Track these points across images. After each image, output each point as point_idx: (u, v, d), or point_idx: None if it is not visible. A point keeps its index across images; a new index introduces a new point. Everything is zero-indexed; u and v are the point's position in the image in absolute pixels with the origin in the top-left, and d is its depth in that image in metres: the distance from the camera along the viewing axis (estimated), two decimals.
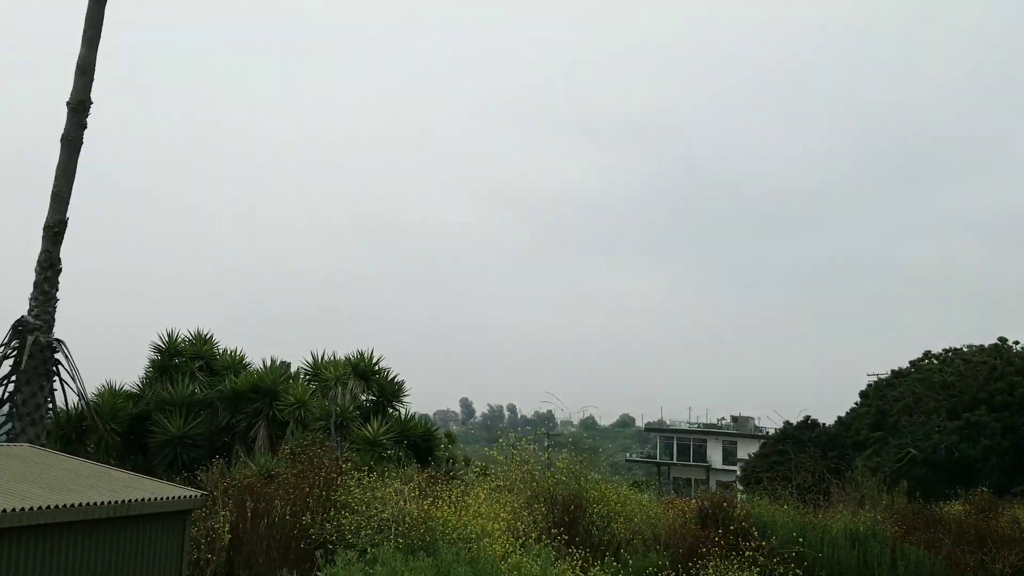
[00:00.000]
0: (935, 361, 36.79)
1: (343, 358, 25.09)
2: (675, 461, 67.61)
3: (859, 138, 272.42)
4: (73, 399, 19.72)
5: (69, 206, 19.03)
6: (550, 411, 71.54)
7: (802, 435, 41.73)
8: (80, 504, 7.56)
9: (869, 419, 38.49)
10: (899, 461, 36.87)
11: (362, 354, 21.88)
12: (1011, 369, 33.93)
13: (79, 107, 19.00)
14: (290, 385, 22.78)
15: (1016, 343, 37.41)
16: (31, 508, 7.13)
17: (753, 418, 66.14)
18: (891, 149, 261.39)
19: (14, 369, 18.64)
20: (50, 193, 19.16)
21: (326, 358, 25.33)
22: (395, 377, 22.94)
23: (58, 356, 19.10)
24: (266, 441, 22.78)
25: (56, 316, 18.96)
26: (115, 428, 22.16)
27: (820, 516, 15.23)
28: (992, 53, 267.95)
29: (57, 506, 7.29)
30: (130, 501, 7.83)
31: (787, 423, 42.52)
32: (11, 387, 18.71)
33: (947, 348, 36.68)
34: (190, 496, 9.26)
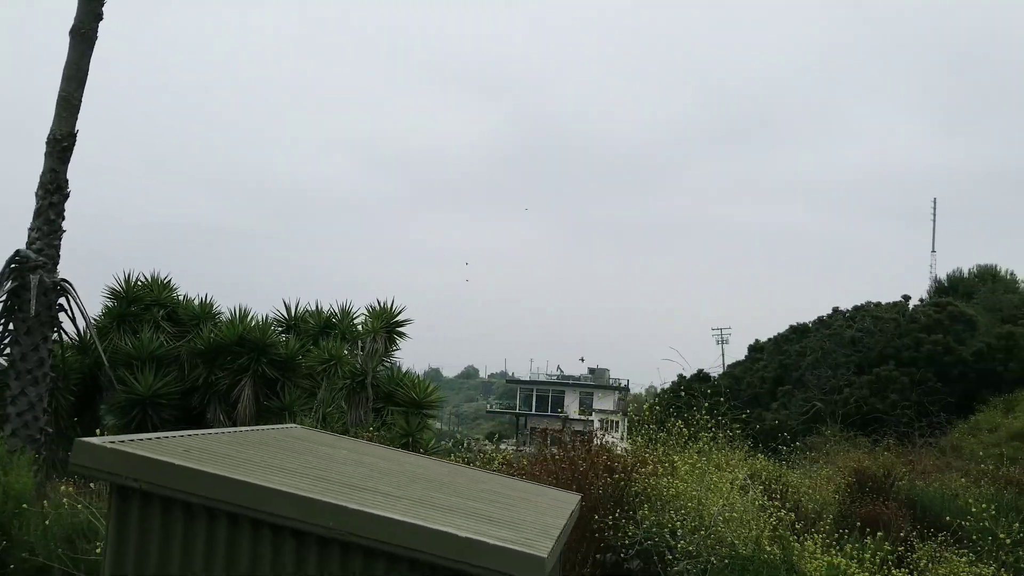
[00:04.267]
0: (843, 317, 40.51)
1: (325, 309, 23.97)
2: (533, 412, 69.95)
3: (703, 102, 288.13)
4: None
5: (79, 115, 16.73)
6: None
7: (695, 387, 44.57)
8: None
9: (771, 373, 41.76)
10: (804, 414, 40.59)
11: (385, 306, 20.91)
12: (915, 326, 37.96)
13: None
14: (291, 338, 21.51)
15: (907, 298, 41.96)
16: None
17: (608, 370, 69.58)
18: (733, 113, 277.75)
19: (10, 315, 16.30)
20: (56, 98, 16.72)
21: (301, 308, 24.10)
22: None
23: (61, 301, 16.90)
24: (252, 401, 21.40)
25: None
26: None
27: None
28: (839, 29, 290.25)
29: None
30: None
31: (680, 376, 45.14)
32: (7, 338, 16.38)
33: (856, 305, 40.49)
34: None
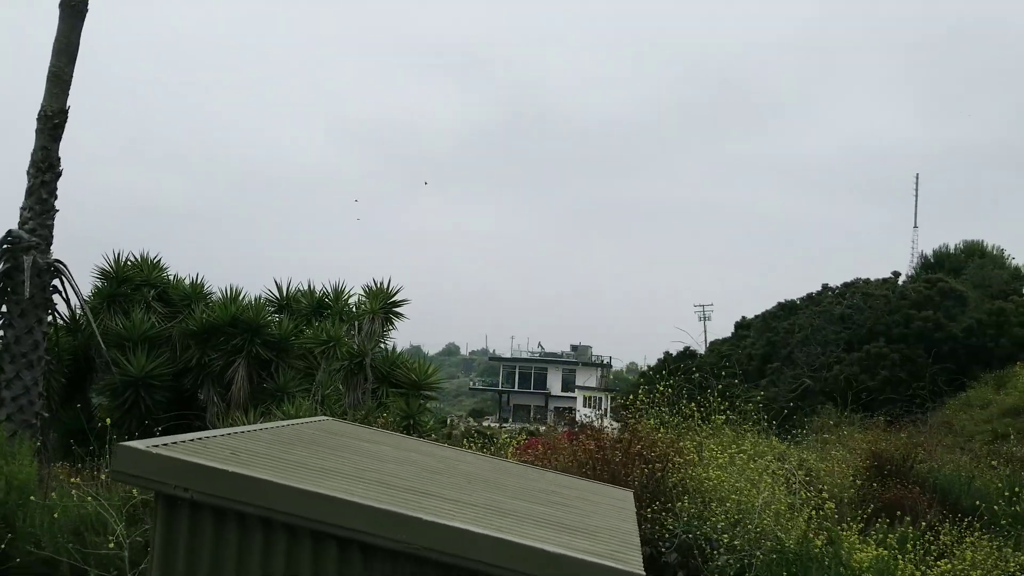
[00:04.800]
0: (832, 294, 40.41)
1: (317, 289, 23.53)
2: (516, 389, 69.81)
3: (683, 81, 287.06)
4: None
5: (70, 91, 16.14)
6: None
7: (681, 365, 44.48)
8: None
9: (759, 350, 41.66)
10: (794, 391, 40.53)
11: (382, 286, 20.49)
12: (905, 303, 37.92)
13: None
14: (286, 319, 21.07)
15: (897, 274, 41.93)
16: None
17: (591, 347, 69.55)
18: (714, 92, 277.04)
19: (3, 297, 15.77)
20: (46, 73, 16.12)
21: (293, 288, 23.63)
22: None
23: (56, 283, 16.38)
24: (245, 382, 20.98)
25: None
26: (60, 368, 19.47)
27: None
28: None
29: None
30: None
31: (667, 353, 45.00)
32: (1, 321, 15.86)
33: (845, 282, 40.41)
34: None
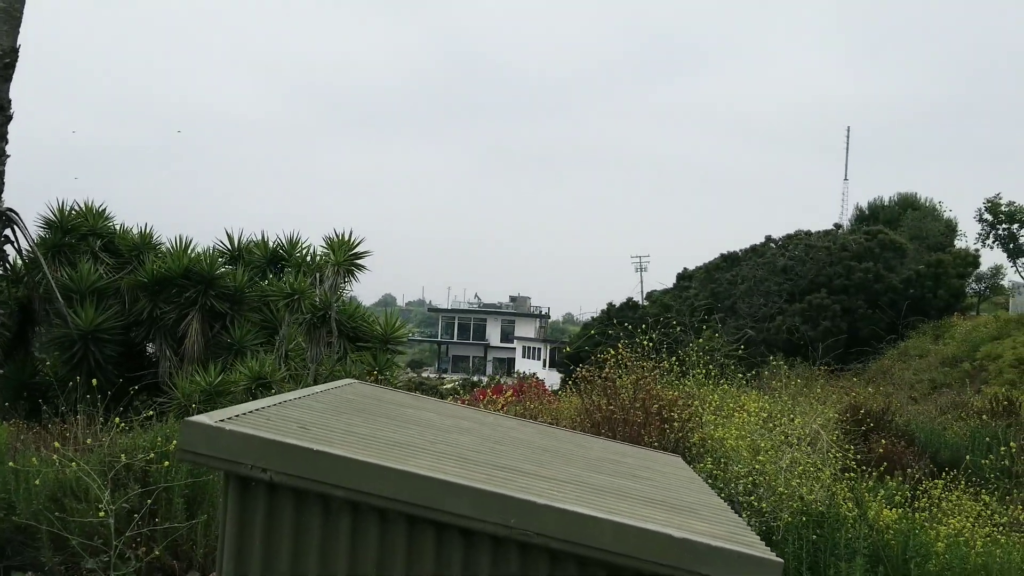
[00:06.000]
0: (775, 246, 40.77)
1: (271, 240, 22.81)
2: (455, 340, 69.37)
3: (621, 30, 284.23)
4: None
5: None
6: None
7: (625, 315, 44.61)
8: None
9: (702, 301, 41.97)
10: (737, 341, 40.98)
11: (343, 237, 19.79)
12: (847, 254, 38.49)
13: None
14: (238, 271, 20.35)
15: (839, 226, 42.50)
16: None
17: (529, 298, 69.27)
18: (651, 42, 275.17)
19: None
20: None
21: (245, 239, 22.86)
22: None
23: (8, 232, 15.51)
24: (200, 335, 20.31)
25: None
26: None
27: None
28: None
29: None
30: None
31: (610, 304, 45.07)
32: None
33: (787, 233, 40.78)
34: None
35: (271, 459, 4.02)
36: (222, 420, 4.19)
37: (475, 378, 56.81)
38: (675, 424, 9.37)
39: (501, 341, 67.30)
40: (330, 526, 4.10)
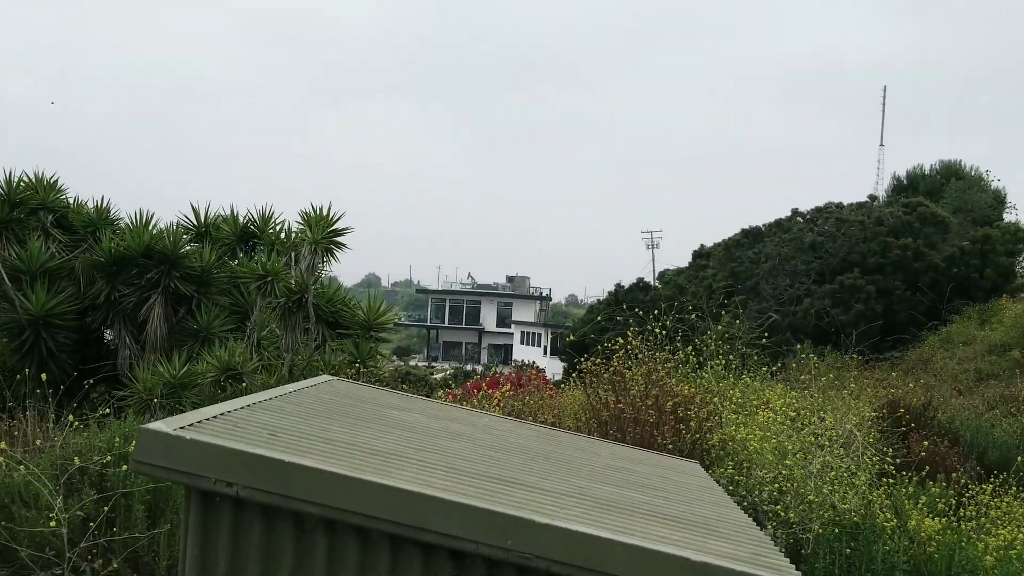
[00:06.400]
0: (802, 220, 40.64)
1: (241, 215, 22.72)
2: (446, 324, 69.34)
3: None
4: None
5: None
6: None
7: (635, 298, 44.57)
8: None
9: (720, 281, 41.90)
10: (760, 327, 40.96)
11: (321, 212, 19.68)
12: (883, 229, 38.37)
13: None
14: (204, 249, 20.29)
15: (873, 198, 42.39)
16: None
17: (529, 278, 69.18)
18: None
19: None
20: None
21: (212, 214, 22.76)
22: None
23: None
24: (163, 321, 20.27)
25: None
26: None
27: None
28: None
29: None
30: None
31: (619, 285, 45.03)
32: None
33: (816, 206, 40.63)
34: None
35: (237, 472, 3.97)
36: (182, 427, 4.13)
37: (468, 367, 56.86)
38: (692, 424, 9.34)
39: (497, 326, 67.20)
40: (304, 547, 4.05)
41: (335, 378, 7.86)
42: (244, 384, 15.39)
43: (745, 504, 8.09)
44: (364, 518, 3.90)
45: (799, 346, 30.98)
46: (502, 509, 3.84)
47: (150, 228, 20.84)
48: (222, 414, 4.63)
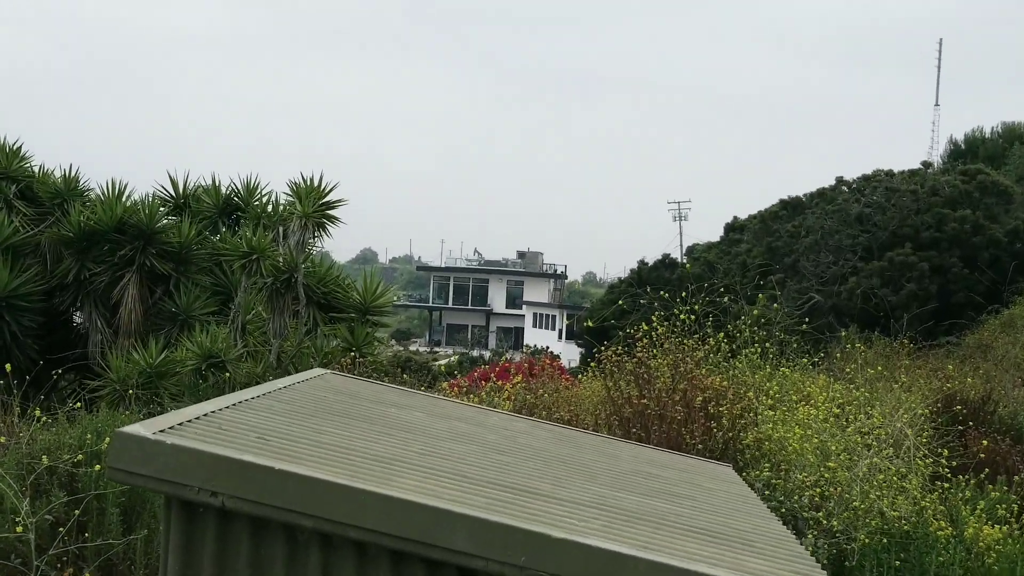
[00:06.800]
0: (848, 189, 40.52)
1: (224, 185, 22.78)
2: (450, 305, 69.39)
3: None
4: None
5: None
6: None
7: (661, 277, 44.59)
8: None
9: (755, 258, 41.84)
10: (800, 308, 40.93)
11: (311, 181, 19.70)
12: (938, 199, 38.24)
13: None
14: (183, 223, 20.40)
15: (927, 165, 42.23)
16: None
17: (542, 254, 69.14)
18: None
19: None
20: None
21: (192, 183, 22.83)
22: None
23: None
24: (137, 303, 20.41)
25: None
26: None
27: None
28: None
29: None
30: None
31: (642, 262, 45.05)
32: None
33: (863, 175, 40.47)
34: None
35: (223, 480, 4.00)
36: (162, 431, 4.17)
37: (475, 353, 56.91)
38: (724, 421, 9.36)
39: (507, 307, 67.06)
40: (296, 562, 4.09)
41: (329, 371, 7.89)
42: (228, 373, 15.48)
43: (783, 511, 8.11)
44: (362, 532, 3.94)
45: (844, 331, 30.85)
46: (515, 522, 3.87)
47: (123, 200, 20.96)
48: (206, 415, 4.66)
